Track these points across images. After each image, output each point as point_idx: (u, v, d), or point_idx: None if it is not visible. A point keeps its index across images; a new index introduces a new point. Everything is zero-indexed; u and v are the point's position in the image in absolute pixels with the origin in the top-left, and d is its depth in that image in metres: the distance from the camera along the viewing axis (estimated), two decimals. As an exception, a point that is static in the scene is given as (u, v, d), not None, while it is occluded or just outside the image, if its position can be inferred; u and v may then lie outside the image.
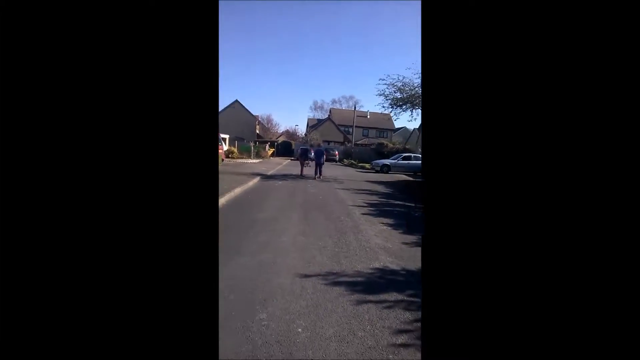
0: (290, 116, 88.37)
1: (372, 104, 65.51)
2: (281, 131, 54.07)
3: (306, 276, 3.01)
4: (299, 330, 2.12)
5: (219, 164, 11.81)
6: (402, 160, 17.75)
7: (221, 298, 2.42)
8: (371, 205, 7.16)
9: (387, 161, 18.07)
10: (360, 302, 2.55)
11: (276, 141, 37.13)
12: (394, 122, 39.20)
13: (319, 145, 16.45)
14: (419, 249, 4.07)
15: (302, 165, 13.35)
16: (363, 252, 3.85)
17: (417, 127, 28.85)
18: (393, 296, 2.69)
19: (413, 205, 7.45)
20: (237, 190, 7.66)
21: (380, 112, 23.95)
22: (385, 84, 15.65)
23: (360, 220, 5.56)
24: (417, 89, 14.98)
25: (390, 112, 16.56)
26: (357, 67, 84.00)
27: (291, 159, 24.89)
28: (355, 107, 34.67)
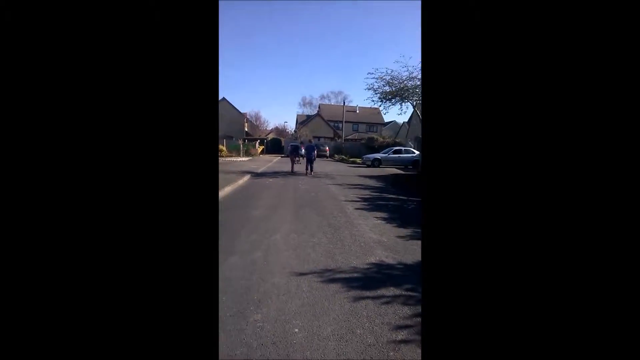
0: (279, 113, 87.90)
1: (361, 99, 65.27)
2: (270, 128, 53.70)
3: (301, 274, 2.93)
4: (296, 330, 2.05)
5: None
6: (393, 154, 17.82)
7: (213, 300, 2.33)
8: (364, 199, 7.12)
9: (377, 155, 18.11)
10: (357, 299, 2.49)
11: (265, 138, 36.84)
12: (384, 116, 39.32)
13: (309, 141, 16.36)
14: (414, 242, 4.05)
15: (293, 162, 13.24)
16: (358, 247, 3.79)
17: (407, 120, 29.00)
18: (391, 291, 2.64)
19: (405, 198, 7.44)
20: (227, 189, 7.52)
21: (369, 106, 23.97)
22: (374, 77, 15.56)
23: (354, 215, 5.51)
24: (405, 82, 14.98)
25: (380, 106, 16.51)
26: (345, 62, 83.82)
27: (281, 156, 24.71)
28: (344, 102, 34.60)
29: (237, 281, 2.74)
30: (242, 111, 36.82)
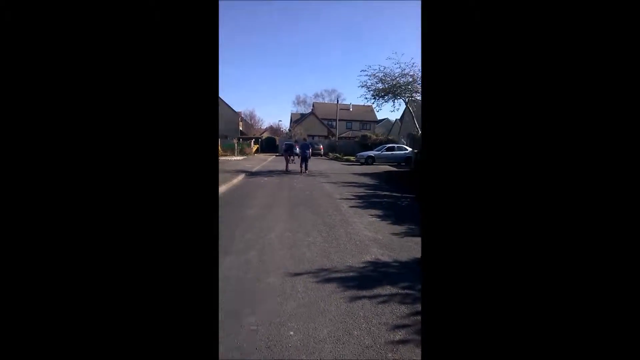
0: (274, 112, 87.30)
1: (354, 96, 65.57)
2: (265, 127, 53.35)
3: (296, 274, 2.87)
4: (291, 333, 1.98)
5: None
6: (386, 151, 17.80)
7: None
8: (358, 197, 7.07)
9: (371, 153, 18.07)
10: (354, 299, 2.43)
11: (260, 137, 36.56)
12: (377, 114, 39.31)
13: (304, 140, 16.27)
14: (409, 238, 4.01)
15: (287, 161, 13.15)
16: (353, 245, 3.74)
17: (399, 117, 29.03)
18: (387, 289, 2.59)
19: (399, 195, 7.41)
20: (222, 188, 7.42)
21: (362, 104, 23.96)
22: (367, 75, 15.60)
23: (349, 213, 5.45)
24: (398, 78, 14.98)
25: (373, 103, 16.52)
26: (339, 61, 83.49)
27: (276, 155, 24.57)
28: (337, 100, 34.41)
29: (231, 282, 2.67)
30: (236, 110, 36.51)
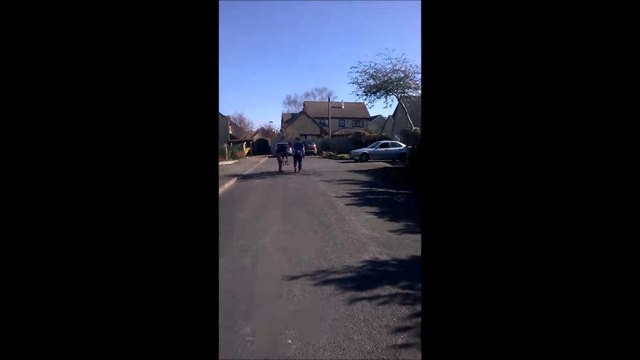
0: (264, 113, 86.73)
1: (345, 94, 64.98)
2: (256, 129, 53.03)
3: (292, 278, 2.78)
4: (289, 341, 1.90)
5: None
6: (380, 147, 17.79)
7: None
8: (354, 195, 7.00)
9: (365, 150, 18.05)
10: (353, 301, 2.36)
11: (251, 140, 36.32)
12: (369, 111, 39.33)
13: (296, 139, 16.17)
14: (407, 235, 3.96)
15: (280, 161, 13.04)
16: (351, 244, 3.66)
17: (392, 114, 29.08)
18: (387, 290, 2.52)
19: (395, 191, 7.37)
20: (213, 193, 7.28)
21: (354, 101, 24.04)
22: (358, 71, 15.51)
23: (345, 211, 5.38)
24: (389, 74, 14.97)
25: (365, 99, 16.56)
26: (328, 58, 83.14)
27: (269, 156, 24.42)
28: (329, 99, 34.34)
29: (225, 289, 2.57)
30: (224, 114, 36.18)
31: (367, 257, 3.27)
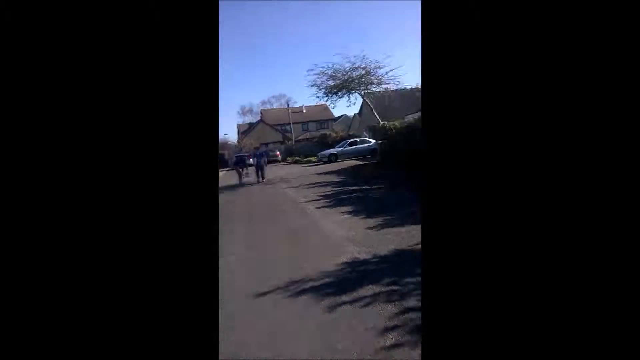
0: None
1: (304, 97, 65.55)
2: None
3: (262, 294, 2.61)
4: (263, 365, 1.73)
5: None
6: (349, 146, 17.99)
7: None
8: (326, 197, 6.92)
9: (333, 150, 18.16)
10: (333, 307, 2.24)
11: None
12: (333, 111, 39.80)
13: (255, 148, 15.97)
14: (386, 230, 3.93)
15: (240, 173, 12.75)
16: (326, 248, 3.56)
17: (357, 112, 29.61)
18: (369, 290, 2.42)
19: (368, 187, 7.38)
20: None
21: (315, 104, 24.36)
22: (315, 74, 15.71)
23: (317, 214, 5.28)
24: (349, 72, 15.29)
25: (327, 101, 16.74)
26: (284, 65, 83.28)
27: (227, 170, 23.86)
28: (288, 104, 34.40)
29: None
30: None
31: (345, 258, 3.17)
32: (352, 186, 7.99)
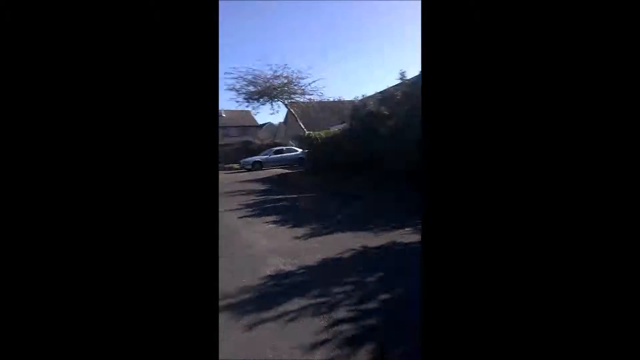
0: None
1: (223, 100, 63.33)
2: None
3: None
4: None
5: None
6: (275, 154, 17.92)
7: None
8: (249, 206, 6.67)
9: (258, 158, 17.91)
10: (253, 325, 2.07)
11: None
12: (257, 118, 39.39)
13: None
14: (314, 239, 3.91)
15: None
16: (247, 262, 3.37)
17: (282, 121, 29.80)
18: (295, 303, 2.32)
19: (296, 196, 7.34)
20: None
21: (235, 108, 24.18)
22: (234, 77, 15.49)
23: (238, 225, 5.03)
24: (271, 80, 15.37)
25: (247, 106, 16.61)
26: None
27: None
28: (207, 105, 32.95)
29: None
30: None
31: (269, 271, 3.03)
32: (279, 195, 7.88)
